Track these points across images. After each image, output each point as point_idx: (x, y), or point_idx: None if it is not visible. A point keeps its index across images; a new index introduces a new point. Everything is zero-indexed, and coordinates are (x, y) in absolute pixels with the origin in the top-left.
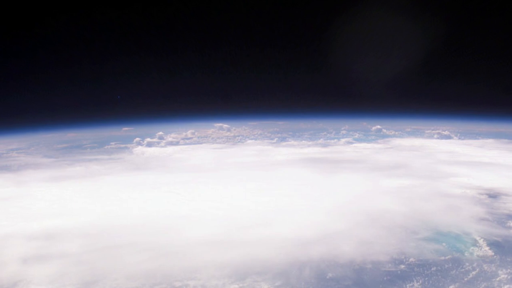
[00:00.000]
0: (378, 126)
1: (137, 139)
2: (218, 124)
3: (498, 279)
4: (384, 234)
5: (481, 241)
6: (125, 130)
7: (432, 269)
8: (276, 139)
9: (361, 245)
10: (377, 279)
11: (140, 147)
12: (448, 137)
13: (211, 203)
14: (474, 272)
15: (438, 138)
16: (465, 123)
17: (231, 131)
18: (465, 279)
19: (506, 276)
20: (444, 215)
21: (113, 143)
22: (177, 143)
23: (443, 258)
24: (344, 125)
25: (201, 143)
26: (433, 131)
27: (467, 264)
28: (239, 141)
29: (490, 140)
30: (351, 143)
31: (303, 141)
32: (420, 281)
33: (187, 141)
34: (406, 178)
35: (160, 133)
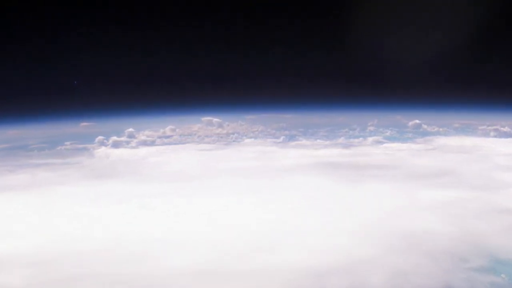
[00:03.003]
0: (417, 121)
1: (100, 137)
2: (206, 118)
3: None
4: (425, 262)
5: None
6: (84, 126)
7: None
8: (282, 137)
9: (394, 276)
10: None
11: (104, 148)
12: (509, 134)
13: (197, 222)
14: None
15: (495, 136)
16: None
17: (223, 127)
18: None
19: None
20: (503, 238)
21: (68, 142)
22: (152, 143)
23: None
24: (372, 119)
25: (184, 143)
26: (489, 127)
27: None
28: (234, 141)
29: None
30: (381, 142)
31: (318, 140)
32: None
33: (166, 140)
34: (453, 189)
35: (130, 129)
